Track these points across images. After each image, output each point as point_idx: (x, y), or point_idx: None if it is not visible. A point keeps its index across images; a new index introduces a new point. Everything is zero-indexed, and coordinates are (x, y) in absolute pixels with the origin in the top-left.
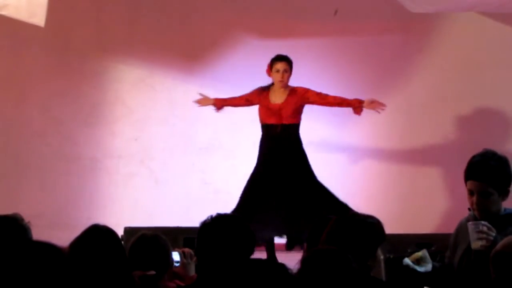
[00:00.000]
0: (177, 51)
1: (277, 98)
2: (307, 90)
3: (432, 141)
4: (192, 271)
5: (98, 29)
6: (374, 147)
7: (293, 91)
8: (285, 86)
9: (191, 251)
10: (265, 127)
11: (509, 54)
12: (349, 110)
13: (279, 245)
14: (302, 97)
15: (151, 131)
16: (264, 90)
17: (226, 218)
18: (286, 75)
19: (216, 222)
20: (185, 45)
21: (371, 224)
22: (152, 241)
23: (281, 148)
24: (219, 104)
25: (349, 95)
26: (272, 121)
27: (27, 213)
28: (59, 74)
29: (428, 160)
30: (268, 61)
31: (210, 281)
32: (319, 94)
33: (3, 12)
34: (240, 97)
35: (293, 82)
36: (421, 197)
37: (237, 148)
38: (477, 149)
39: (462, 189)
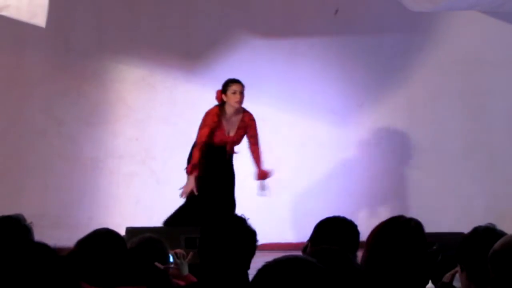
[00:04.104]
0: (178, 51)
1: (232, 129)
2: (250, 123)
3: (434, 140)
4: (186, 271)
5: (98, 29)
6: (375, 146)
7: (242, 120)
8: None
9: (183, 251)
10: (216, 149)
11: (510, 52)
12: (349, 109)
13: (282, 245)
14: (246, 129)
15: (152, 131)
16: (218, 119)
17: (229, 218)
18: (242, 96)
19: (219, 222)
20: (185, 44)
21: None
22: (152, 245)
23: (225, 171)
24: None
25: (350, 94)
26: (224, 146)
27: (29, 213)
28: (60, 74)
29: (430, 159)
30: (269, 60)
31: (213, 280)
32: (254, 139)
33: (4, 13)
34: (206, 136)
35: (295, 80)
36: (422, 195)
37: (237, 148)
38: (479, 147)
39: (464, 187)
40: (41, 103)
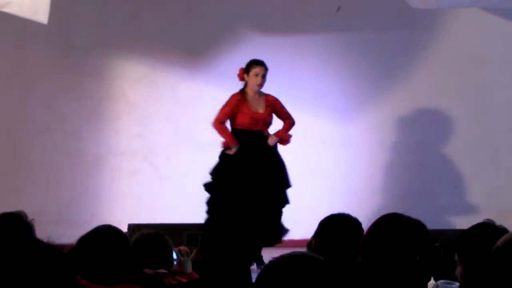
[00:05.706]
0: (180, 47)
1: (259, 107)
2: (275, 101)
3: (436, 137)
4: (189, 268)
5: (101, 26)
6: (378, 143)
7: (267, 100)
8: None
9: (187, 249)
10: (249, 133)
11: None
12: (351, 107)
13: (285, 242)
14: (273, 107)
15: (154, 128)
16: (241, 98)
17: (231, 215)
18: (264, 80)
19: (221, 219)
20: (188, 41)
21: (414, 224)
22: (156, 240)
23: (265, 153)
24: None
25: (352, 91)
26: (258, 128)
27: (31, 210)
28: (62, 71)
29: (432, 156)
30: (271, 56)
31: (215, 278)
32: (286, 115)
33: (6, 10)
34: (226, 115)
35: (298, 77)
36: (425, 192)
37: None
38: (481, 144)
39: (466, 184)
40: (43, 100)
